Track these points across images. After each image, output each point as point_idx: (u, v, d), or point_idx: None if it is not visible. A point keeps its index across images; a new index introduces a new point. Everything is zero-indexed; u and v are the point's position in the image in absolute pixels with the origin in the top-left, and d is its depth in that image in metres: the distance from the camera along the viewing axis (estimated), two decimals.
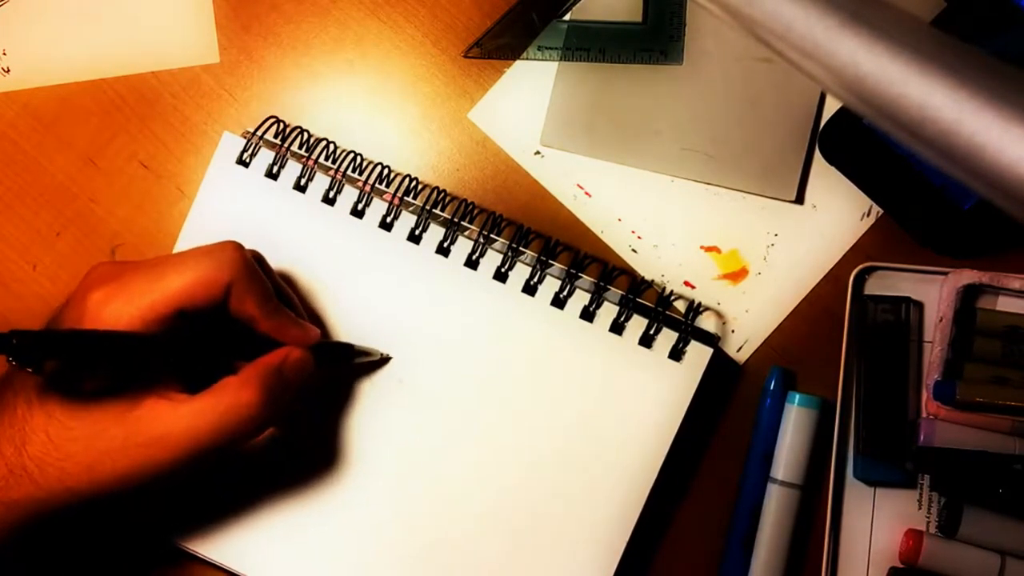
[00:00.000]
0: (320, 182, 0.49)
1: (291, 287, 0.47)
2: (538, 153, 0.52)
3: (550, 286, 0.48)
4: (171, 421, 0.38)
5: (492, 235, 0.49)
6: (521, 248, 0.49)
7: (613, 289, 0.48)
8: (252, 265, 0.41)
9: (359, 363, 0.48)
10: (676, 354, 0.47)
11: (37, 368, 0.35)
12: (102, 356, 0.37)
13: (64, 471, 0.37)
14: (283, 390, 0.40)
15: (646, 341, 0.48)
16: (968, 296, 0.48)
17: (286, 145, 0.50)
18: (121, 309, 0.38)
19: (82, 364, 0.37)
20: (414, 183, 0.50)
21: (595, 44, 0.52)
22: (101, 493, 0.38)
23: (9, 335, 0.33)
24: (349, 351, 0.47)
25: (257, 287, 0.41)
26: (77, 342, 0.36)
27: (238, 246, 0.41)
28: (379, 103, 0.53)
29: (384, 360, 0.48)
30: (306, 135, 0.51)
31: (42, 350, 0.34)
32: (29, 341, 0.33)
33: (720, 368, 0.49)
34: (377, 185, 0.50)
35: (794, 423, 0.48)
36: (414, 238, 0.49)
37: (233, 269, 0.40)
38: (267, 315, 0.41)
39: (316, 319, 0.48)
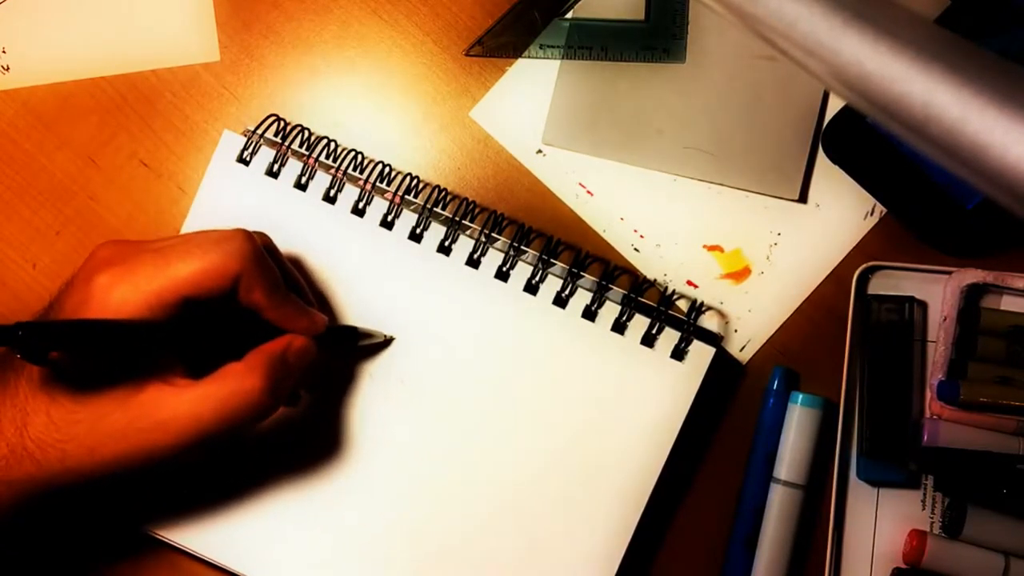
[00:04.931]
0: (321, 180, 0.49)
1: (299, 270, 0.47)
2: (540, 152, 0.52)
3: (552, 285, 0.48)
4: (174, 406, 0.38)
5: (493, 234, 0.49)
6: (523, 247, 0.48)
7: (615, 288, 0.48)
8: (261, 255, 0.41)
9: (363, 345, 0.48)
10: (678, 354, 0.47)
11: (42, 360, 0.35)
12: (107, 345, 0.37)
13: (65, 452, 0.37)
14: (286, 377, 0.40)
15: (648, 340, 0.47)
16: (972, 295, 0.48)
17: (287, 143, 0.50)
18: (127, 294, 0.37)
19: (87, 353, 0.37)
20: (415, 182, 0.50)
21: (597, 42, 0.52)
22: (102, 474, 0.38)
23: (15, 327, 0.32)
24: (353, 333, 0.47)
25: (266, 278, 0.41)
26: (82, 332, 0.36)
27: (248, 236, 0.41)
28: (380, 101, 0.53)
29: (387, 342, 0.48)
30: (307, 133, 0.50)
31: (47, 342, 0.34)
32: (34, 333, 0.33)
33: (723, 368, 0.49)
34: (378, 184, 0.49)
35: (797, 423, 0.48)
36: (415, 237, 0.49)
37: (242, 259, 0.39)
38: (275, 305, 0.41)
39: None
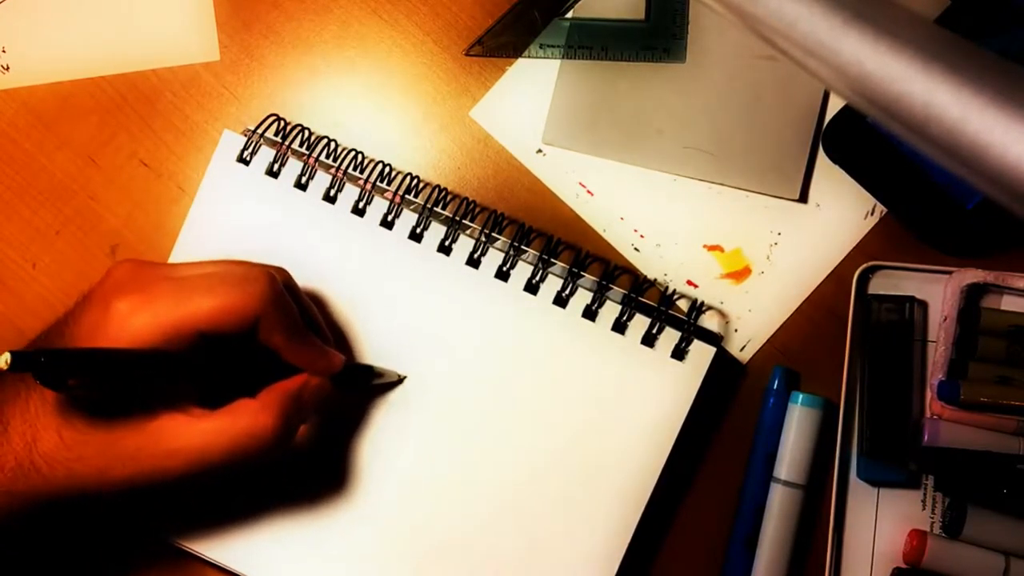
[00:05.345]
0: (321, 180, 0.49)
1: (317, 303, 0.47)
2: (540, 151, 0.52)
3: (552, 285, 0.48)
4: (185, 436, 0.38)
5: (494, 234, 0.49)
6: (523, 247, 0.48)
7: (615, 288, 0.48)
8: (282, 298, 0.41)
9: (376, 384, 0.48)
10: (679, 353, 0.47)
11: (61, 386, 0.35)
12: (124, 375, 0.36)
13: (73, 471, 0.37)
14: (299, 415, 0.41)
15: (649, 340, 0.47)
16: (972, 295, 0.48)
17: (287, 143, 0.50)
18: (145, 323, 0.37)
19: (104, 381, 0.37)
20: (415, 181, 0.50)
21: (597, 42, 0.52)
22: (109, 492, 0.38)
23: (37, 354, 0.32)
24: (368, 373, 0.47)
25: (285, 321, 0.40)
26: (101, 362, 0.36)
27: (271, 278, 0.40)
28: (380, 101, 0.53)
29: (400, 381, 0.48)
30: (307, 133, 0.50)
31: (67, 370, 0.34)
32: (56, 361, 0.33)
33: (723, 368, 0.49)
34: (378, 183, 0.49)
35: (797, 423, 0.48)
36: (415, 236, 0.49)
37: (264, 303, 0.39)
38: (294, 347, 0.41)
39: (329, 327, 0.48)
